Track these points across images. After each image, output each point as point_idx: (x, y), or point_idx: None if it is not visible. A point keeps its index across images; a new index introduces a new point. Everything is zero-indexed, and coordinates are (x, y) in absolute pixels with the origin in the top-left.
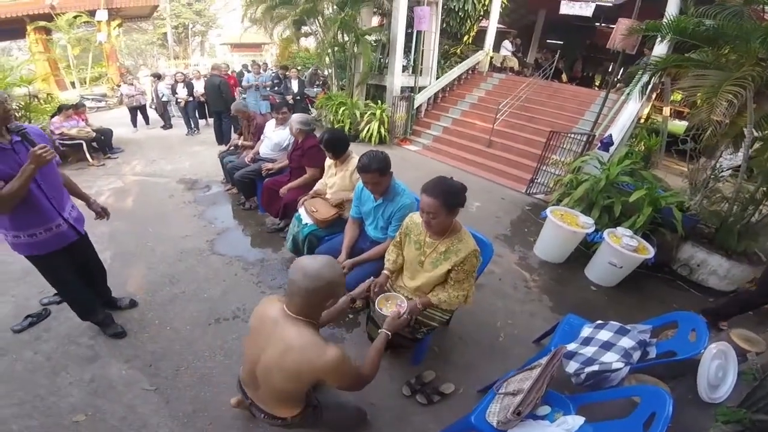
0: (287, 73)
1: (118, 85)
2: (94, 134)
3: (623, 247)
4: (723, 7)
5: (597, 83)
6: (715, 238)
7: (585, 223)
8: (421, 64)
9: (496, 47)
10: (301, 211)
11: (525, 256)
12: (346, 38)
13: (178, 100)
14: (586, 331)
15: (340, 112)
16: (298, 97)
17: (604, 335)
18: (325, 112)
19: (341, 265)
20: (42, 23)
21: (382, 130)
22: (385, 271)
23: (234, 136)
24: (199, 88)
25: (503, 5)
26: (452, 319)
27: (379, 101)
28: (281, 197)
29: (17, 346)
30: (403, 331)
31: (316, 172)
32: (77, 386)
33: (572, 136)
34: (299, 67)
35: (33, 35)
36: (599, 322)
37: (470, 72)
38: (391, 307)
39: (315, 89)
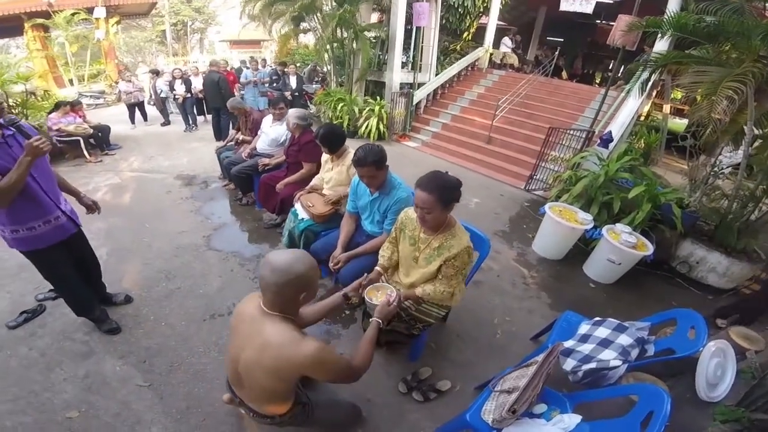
0: (285, 69)
1: (117, 82)
2: (91, 131)
3: (622, 244)
4: (724, 4)
5: (597, 80)
6: (714, 235)
7: (584, 220)
8: (421, 61)
9: (496, 44)
10: (298, 206)
11: (523, 252)
12: (345, 34)
13: (176, 97)
14: (584, 328)
15: (339, 108)
16: (297, 94)
17: (602, 332)
18: (323, 108)
19: (336, 258)
20: (40, 20)
21: (381, 127)
22: (377, 268)
23: (232, 131)
24: (197, 84)
25: (503, 2)
26: (450, 316)
27: (378, 97)
28: (278, 192)
29: (12, 342)
30: (399, 327)
31: (313, 167)
32: (71, 382)
33: (571, 132)
34: (298, 64)
35: (31, 32)
36: (597, 319)
37: (470, 69)
38: (381, 297)
39: (314, 85)
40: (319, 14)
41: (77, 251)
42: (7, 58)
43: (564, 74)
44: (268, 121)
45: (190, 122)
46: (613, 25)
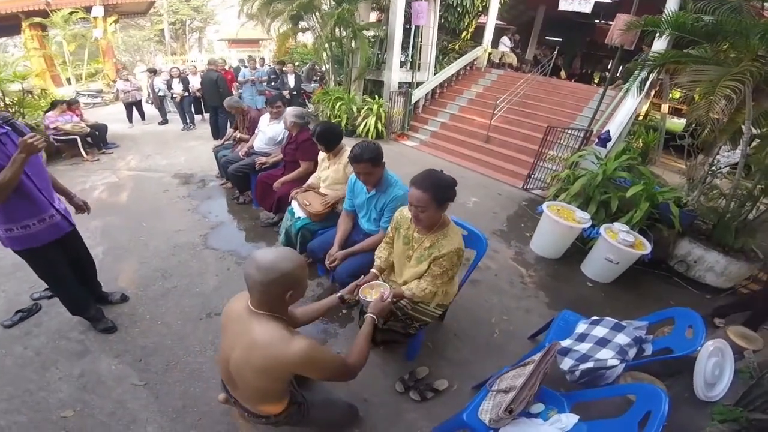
0: (284, 68)
1: (114, 81)
2: (88, 129)
3: (620, 243)
4: (722, 3)
5: (596, 80)
6: (712, 234)
7: (581, 219)
8: (419, 60)
9: (495, 43)
10: (294, 204)
11: (521, 251)
12: (344, 33)
13: (174, 96)
14: (582, 327)
15: (337, 107)
16: (295, 93)
17: (600, 331)
18: (322, 107)
19: (332, 257)
20: (37, 19)
21: (379, 126)
22: (373, 270)
23: (230, 130)
24: (195, 83)
25: (502, 1)
26: (447, 315)
27: (377, 96)
28: (275, 191)
29: (7, 341)
30: (396, 326)
31: (310, 165)
32: (66, 381)
33: (569, 131)
34: (297, 63)
35: (28, 31)
36: (595, 318)
37: (468, 68)
38: (376, 295)
39: (312, 84)
40: (317, 13)
41: (72, 250)
42: (4, 57)
43: (562, 74)
44: (265, 119)
45: (188, 121)
46: (611, 25)
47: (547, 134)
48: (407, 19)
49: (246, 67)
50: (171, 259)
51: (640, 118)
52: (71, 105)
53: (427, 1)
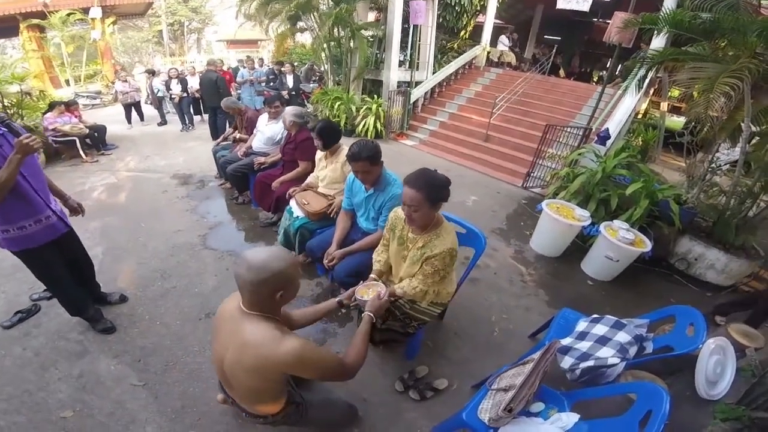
0: (282, 68)
1: (113, 83)
2: (87, 131)
3: (620, 241)
4: (719, 0)
5: (595, 78)
6: (712, 231)
7: (581, 216)
8: (418, 59)
9: (493, 42)
10: (293, 204)
11: (521, 249)
12: (342, 33)
13: (172, 96)
14: (582, 325)
15: (336, 106)
16: (294, 93)
17: (600, 330)
18: (321, 107)
19: (331, 256)
20: (35, 21)
21: (378, 125)
22: (372, 275)
23: (229, 129)
24: (194, 84)
25: (500, 0)
26: (446, 314)
27: (376, 96)
28: (273, 191)
29: (6, 342)
30: (394, 325)
31: (309, 165)
32: (66, 382)
33: (569, 129)
34: (295, 63)
35: (26, 33)
36: (595, 316)
37: (467, 67)
38: (372, 294)
39: (311, 84)
40: (315, 13)
41: (68, 251)
42: (2, 59)
43: (561, 72)
44: (263, 119)
45: (187, 122)
46: (609, 23)
47: (546, 132)
48: (405, 19)
49: (244, 67)
50: (170, 259)
51: (640, 116)
52: (70, 106)
53: (426, 1)
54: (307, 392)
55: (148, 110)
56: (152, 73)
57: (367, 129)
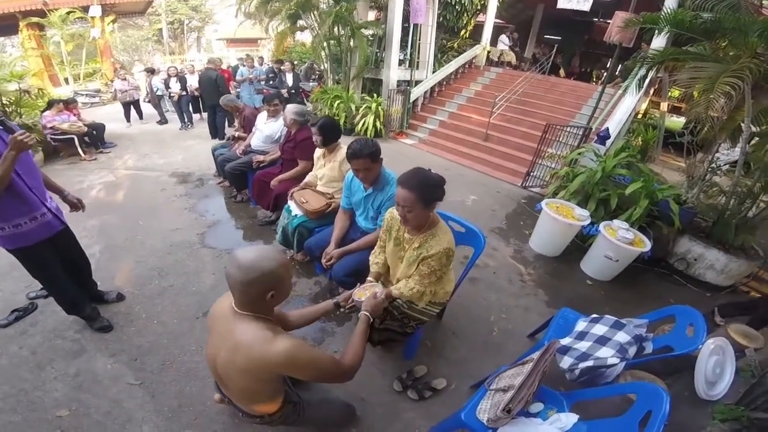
0: (282, 67)
1: (112, 81)
2: (85, 129)
3: (619, 240)
4: (720, 0)
5: (595, 78)
6: (712, 232)
7: (581, 216)
8: (418, 58)
9: (494, 41)
10: (291, 202)
11: (520, 249)
12: (342, 32)
13: (171, 95)
14: (581, 325)
15: (336, 105)
16: (293, 91)
17: (600, 329)
18: (320, 106)
19: (329, 255)
20: (35, 19)
21: (378, 124)
22: (370, 278)
23: (229, 130)
24: (193, 82)
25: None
26: (445, 313)
27: (375, 95)
28: (272, 189)
29: (3, 341)
30: (393, 325)
31: (308, 164)
32: (62, 381)
33: (568, 129)
34: (295, 62)
35: (26, 31)
36: (594, 316)
37: (467, 66)
38: (369, 294)
39: (311, 83)
40: (315, 12)
41: (64, 249)
42: (2, 57)
43: (561, 72)
44: (262, 118)
45: (186, 120)
46: (610, 23)
47: (546, 132)
48: (406, 18)
49: (244, 65)
50: (167, 257)
51: (640, 116)
52: (69, 104)
53: None
54: (304, 392)
55: (147, 109)
56: (151, 71)
57: (367, 128)
